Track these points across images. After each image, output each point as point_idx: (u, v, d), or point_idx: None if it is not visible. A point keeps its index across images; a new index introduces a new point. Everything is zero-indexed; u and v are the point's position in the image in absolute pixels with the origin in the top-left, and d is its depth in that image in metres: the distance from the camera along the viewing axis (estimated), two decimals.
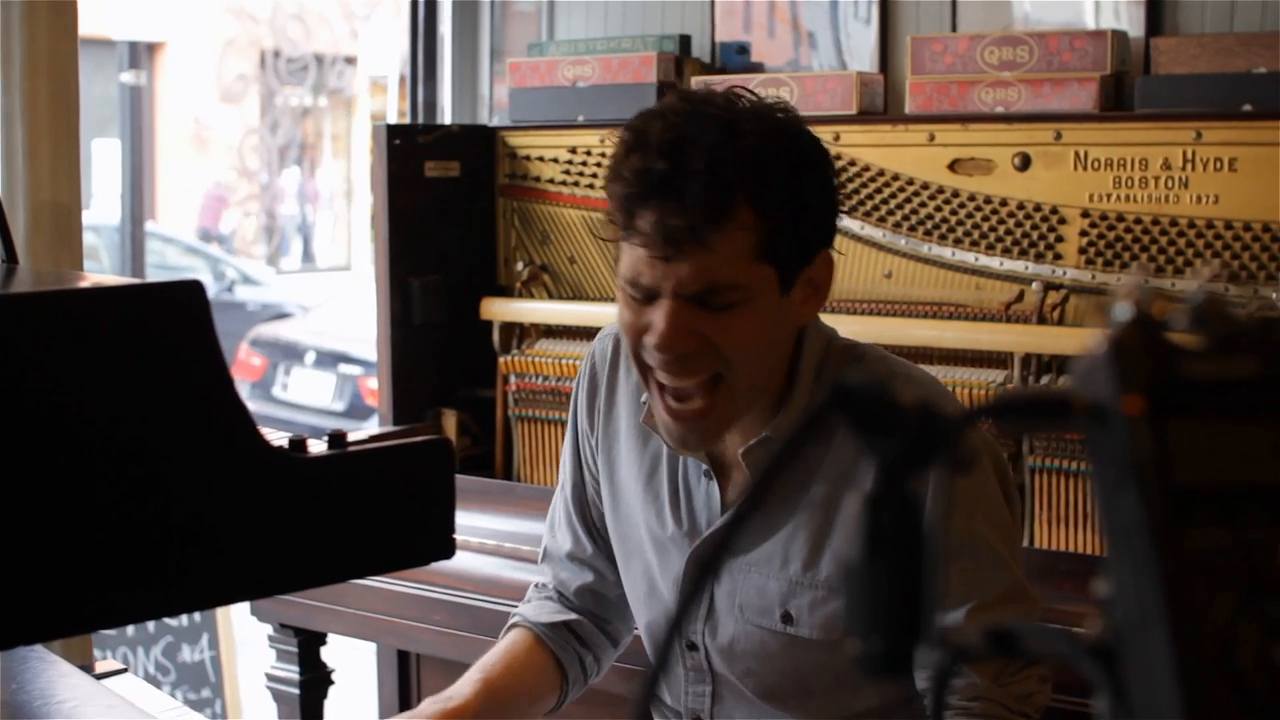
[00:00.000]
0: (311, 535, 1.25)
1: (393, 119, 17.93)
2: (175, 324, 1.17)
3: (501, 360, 3.26)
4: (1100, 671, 0.57)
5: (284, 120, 17.47)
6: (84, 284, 1.21)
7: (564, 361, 3.17)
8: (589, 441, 2.13)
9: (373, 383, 9.64)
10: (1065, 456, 2.60)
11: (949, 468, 0.65)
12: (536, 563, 2.27)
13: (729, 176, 1.71)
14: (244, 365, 10.09)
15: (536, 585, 2.25)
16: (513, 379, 3.26)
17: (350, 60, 17.92)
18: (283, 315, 12.12)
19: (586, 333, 3.19)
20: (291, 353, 10.11)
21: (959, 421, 0.60)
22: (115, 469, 1.13)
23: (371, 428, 3.22)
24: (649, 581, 2.05)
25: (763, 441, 1.88)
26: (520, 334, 3.27)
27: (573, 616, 2.16)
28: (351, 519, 1.28)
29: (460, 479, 2.52)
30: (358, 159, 19.35)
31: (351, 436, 1.31)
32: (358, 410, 9.58)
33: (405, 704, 3.20)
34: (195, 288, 1.19)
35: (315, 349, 10.04)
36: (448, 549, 1.34)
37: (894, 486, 0.60)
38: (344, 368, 9.83)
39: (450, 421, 3.26)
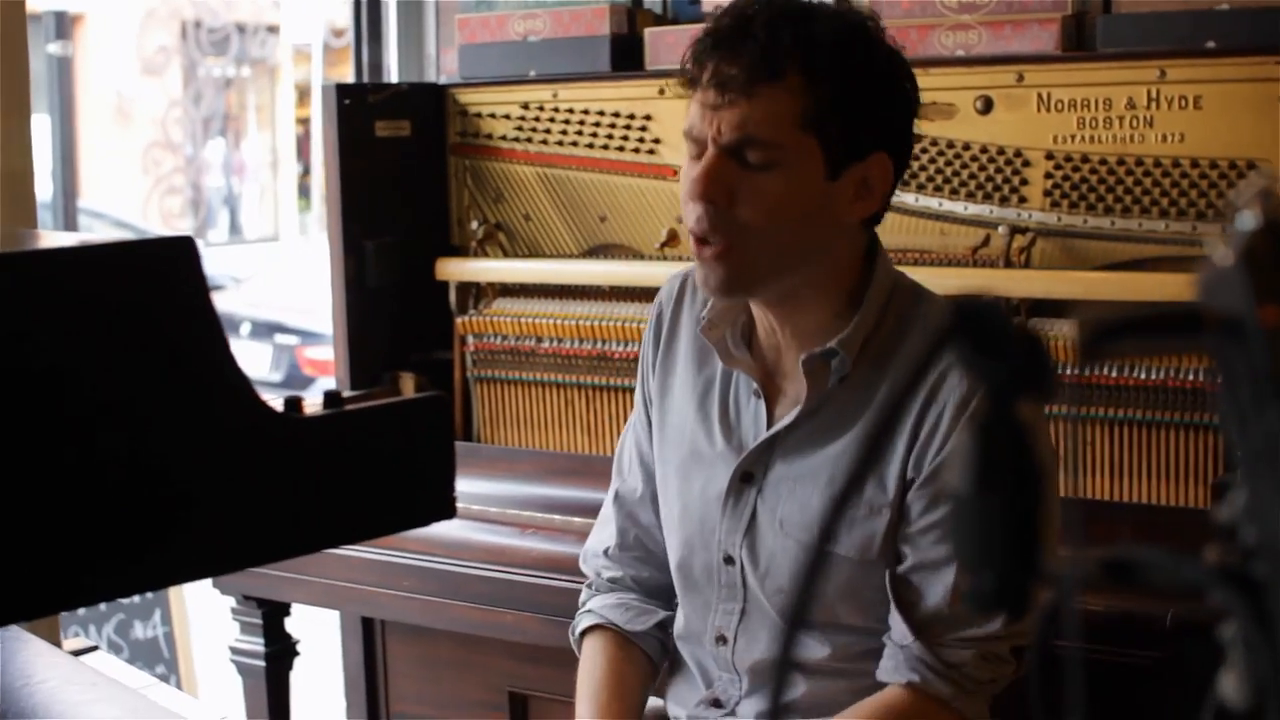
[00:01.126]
0: (312, 498, 1.21)
1: (317, 88, 17.73)
2: (169, 282, 1.12)
3: (458, 321, 3.21)
4: (1235, 597, 0.54)
5: (207, 91, 17.26)
6: (70, 242, 1.16)
7: (522, 320, 3.13)
8: (650, 372, 2.18)
9: (310, 352, 9.58)
10: None
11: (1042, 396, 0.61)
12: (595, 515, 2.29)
13: (784, 40, 1.85)
14: None
15: (603, 560, 2.24)
16: (470, 340, 3.21)
17: (272, 29, 17.72)
18: (215, 288, 11.96)
19: (544, 291, 3.15)
20: (226, 324, 9.93)
21: (1075, 343, 0.57)
22: (109, 435, 1.08)
23: None
24: (683, 501, 2.08)
25: (825, 353, 1.95)
26: (477, 294, 3.22)
27: (659, 616, 2.18)
28: (352, 480, 1.24)
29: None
30: (282, 129, 19.15)
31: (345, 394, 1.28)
32: (295, 380, 9.51)
33: (371, 671, 3.16)
34: (188, 244, 1.14)
35: (250, 320, 9.94)
36: (448, 508, 1.30)
37: (1004, 413, 0.57)
38: (280, 338, 9.76)
39: (408, 385, 3.21)
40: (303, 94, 18.70)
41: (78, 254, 1.12)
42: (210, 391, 1.14)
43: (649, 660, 2.17)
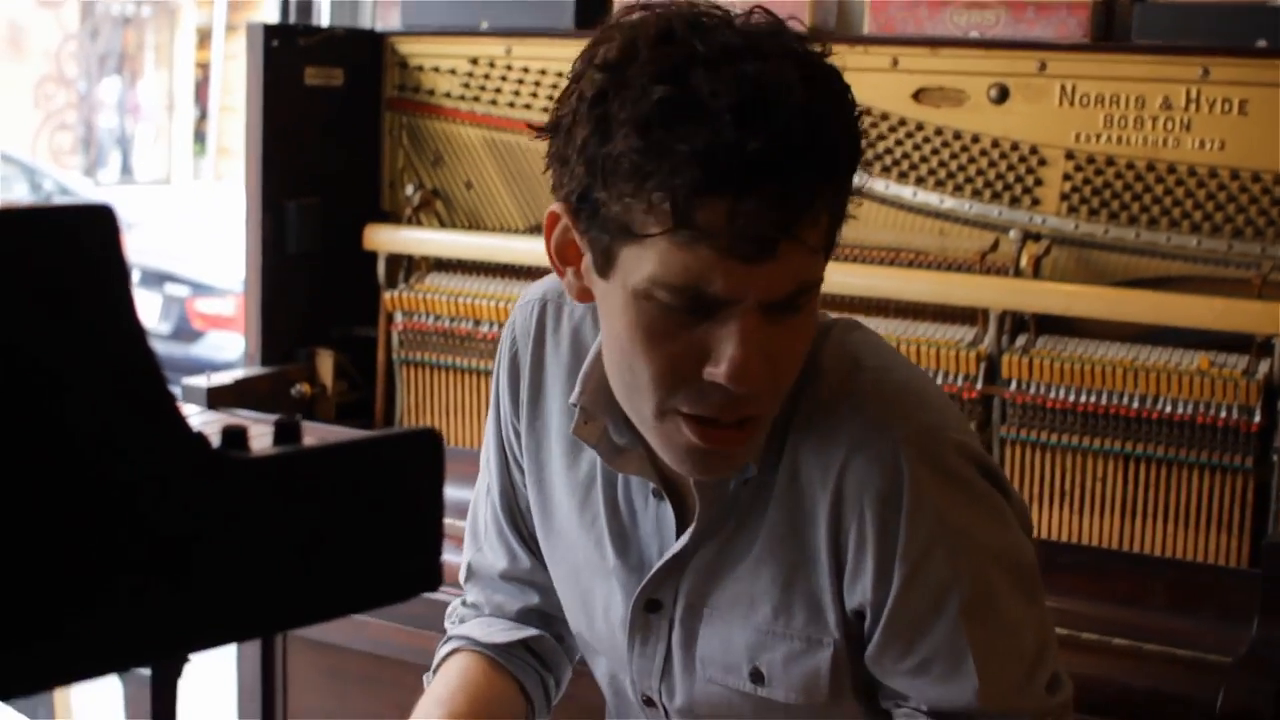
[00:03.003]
0: (256, 564, 0.89)
1: (219, 31, 17.26)
2: (78, 261, 0.80)
3: (386, 296, 2.89)
4: None
5: (104, 28, 16.76)
6: None
7: (458, 299, 2.81)
8: (514, 436, 1.68)
9: (201, 304, 9.14)
10: (1044, 428, 2.31)
11: None
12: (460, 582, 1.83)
13: (835, 145, 1.28)
14: None
15: (468, 603, 1.81)
16: (398, 317, 2.88)
17: None
18: None
19: (483, 267, 2.83)
20: None
21: None
22: None
23: (237, 370, 2.82)
24: (588, 614, 1.64)
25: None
26: (408, 267, 2.90)
27: (530, 633, 1.74)
28: (310, 541, 0.92)
29: (336, 430, 2.17)
30: (180, 71, 18.66)
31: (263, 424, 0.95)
32: (185, 333, 9.07)
33: (269, 683, 2.82)
34: (105, 215, 0.81)
35: (139, 268, 9.46)
36: (433, 576, 0.99)
37: None
38: (170, 288, 9.29)
39: (326, 363, 2.88)
40: (203, 37, 18.22)
41: None
42: (129, 422, 0.82)
43: (522, 695, 1.72)
